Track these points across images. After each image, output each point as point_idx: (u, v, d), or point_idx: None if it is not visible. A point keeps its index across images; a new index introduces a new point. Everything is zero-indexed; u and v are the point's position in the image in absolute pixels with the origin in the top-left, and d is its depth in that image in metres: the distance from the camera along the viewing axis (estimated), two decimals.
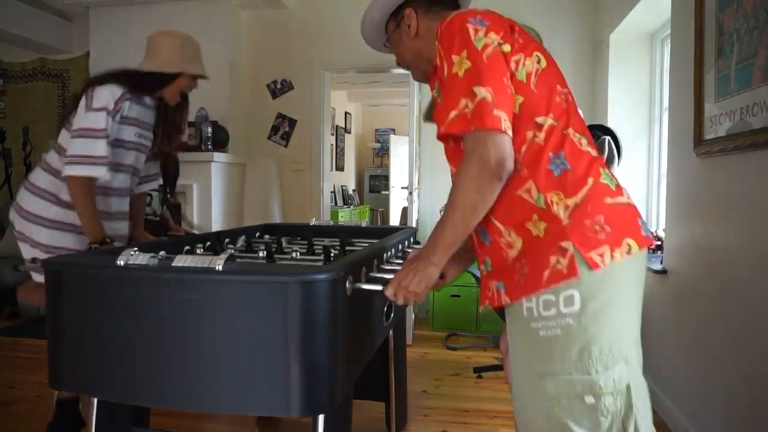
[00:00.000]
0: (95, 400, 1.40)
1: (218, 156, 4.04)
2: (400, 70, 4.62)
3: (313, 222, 2.63)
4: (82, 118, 1.86)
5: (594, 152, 1.17)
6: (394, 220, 8.32)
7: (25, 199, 1.97)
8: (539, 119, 1.13)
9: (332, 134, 7.56)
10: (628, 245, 1.10)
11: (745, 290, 1.83)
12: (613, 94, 3.68)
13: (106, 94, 1.88)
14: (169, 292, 1.25)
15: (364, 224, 2.57)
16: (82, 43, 4.79)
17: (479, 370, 3.20)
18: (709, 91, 2.09)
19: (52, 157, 2.00)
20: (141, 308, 1.27)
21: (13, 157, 5.14)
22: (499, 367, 3.25)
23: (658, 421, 2.51)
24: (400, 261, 1.86)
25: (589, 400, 1.07)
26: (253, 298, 1.21)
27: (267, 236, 2.40)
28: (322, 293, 1.20)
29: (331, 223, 2.76)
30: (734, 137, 1.88)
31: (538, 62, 1.17)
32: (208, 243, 2.02)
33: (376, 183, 9.27)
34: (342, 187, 8.27)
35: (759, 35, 1.73)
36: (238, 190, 4.47)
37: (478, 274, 3.27)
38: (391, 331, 2.13)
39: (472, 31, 1.13)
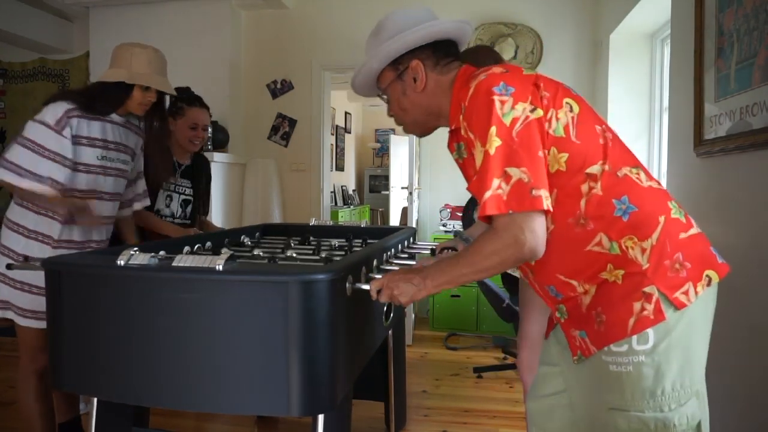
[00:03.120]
0: (95, 399, 1.41)
1: (218, 156, 4.04)
2: None
3: (312, 222, 2.63)
4: (26, 128, 1.85)
5: (657, 185, 1.14)
6: (394, 220, 8.31)
7: (3, 234, 1.93)
8: (590, 169, 1.09)
9: (332, 134, 7.55)
10: (708, 277, 1.09)
11: (744, 290, 1.83)
12: (613, 94, 3.68)
13: (50, 110, 1.84)
14: (169, 292, 1.25)
15: (363, 224, 2.57)
16: (82, 43, 4.79)
17: (479, 370, 3.20)
18: (709, 91, 2.09)
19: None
20: (141, 308, 1.27)
21: None
22: (499, 367, 3.25)
23: None
24: (400, 261, 1.86)
25: None
26: (254, 298, 1.21)
27: (280, 237, 2.39)
28: (323, 293, 1.20)
29: (331, 223, 2.75)
30: (734, 137, 1.88)
31: (571, 110, 1.12)
32: (208, 243, 2.02)
33: (376, 183, 9.27)
34: (342, 187, 8.27)
35: (759, 35, 1.73)
36: (238, 190, 4.47)
37: None
38: (390, 331, 2.13)
39: (498, 104, 1.07)
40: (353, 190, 9.05)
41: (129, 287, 1.28)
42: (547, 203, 1.05)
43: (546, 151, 1.09)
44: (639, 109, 3.63)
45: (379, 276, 1.51)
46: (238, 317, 1.21)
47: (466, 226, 3.26)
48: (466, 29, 1.32)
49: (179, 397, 1.27)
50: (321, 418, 1.27)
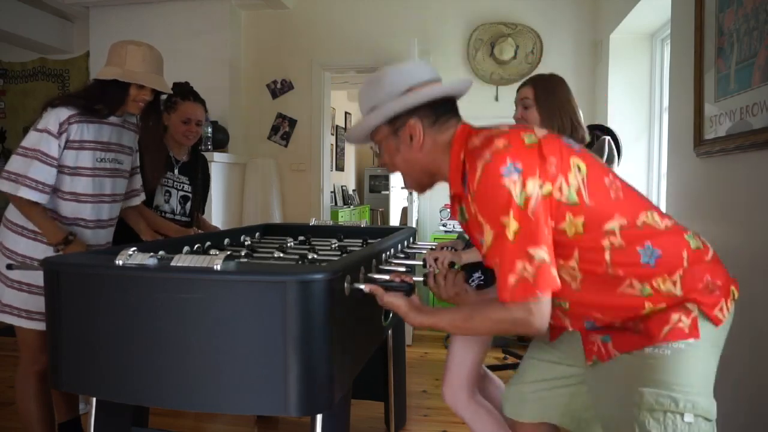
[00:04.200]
0: (94, 399, 1.41)
1: (218, 156, 4.04)
2: None
3: (312, 222, 2.63)
4: (26, 137, 1.84)
5: (669, 221, 1.17)
6: (394, 220, 8.32)
7: (3, 235, 1.92)
8: (607, 226, 1.11)
9: (332, 134, 7.55)
10: (733, 293, 1.16)
11: (744, 290, 1.82)
12: (613, 94, 3.68)
13: (52, 117, 1.83)
14: (167, 291, 1.25)
15: (363, 224, 2.57)
16: (82, 43, 4.79)
17: None
18: (709, 91, 2.09)
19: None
20: (140, 308, 1.27)
21: None
22: (499, 367, 3.24)
23: None
24: (399, 262, 1.86)
25: (689, 418, 1.08)
26: (252, 298, 1.21)
27: (295, 239, 2.36)
28: (321, 293, 1.20)
29: (331, 223, 2.75)
30: (734, 137, 1.87)
31: (579, 171, 1.12)
32: (208, 243, 2.02)
33: (376, 183, 9.27)
34: (342, 187, 8.26)
35: (759, 35, 1.73)
36: (238, 190, 4.47)
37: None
38: (390, 331, 2.13)
39: (510, 187, 1.06)
40: (353, 190, 9.05)
41: (128, 287, 1.28)
42: (558, 284, 1.10)
43: (552, 222, 1.10)
44: (639, 109, 3.63)
45: (378, 276, 1.51)
46: (236, 317, 1.21)
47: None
48: (467, 86, 1.31)
49: (178, 397, 1.27)
50: (319, 417, 1.27)
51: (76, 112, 1.87)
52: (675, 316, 1.09)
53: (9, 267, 1.68)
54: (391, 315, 1.76)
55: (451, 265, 1.62)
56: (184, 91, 2.46)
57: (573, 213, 1.10)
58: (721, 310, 1.11)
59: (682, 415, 1.08)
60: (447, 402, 1.85)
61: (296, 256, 1.82)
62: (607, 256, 1.11)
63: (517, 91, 2.15)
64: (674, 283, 1.10)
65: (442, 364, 3.34)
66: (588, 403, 1.34)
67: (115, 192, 2.05)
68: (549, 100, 1.84)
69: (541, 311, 1.08)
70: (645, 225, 1.13)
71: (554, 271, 1.09)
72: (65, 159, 1.88)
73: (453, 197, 1.25)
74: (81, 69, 4.89)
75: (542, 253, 1.06)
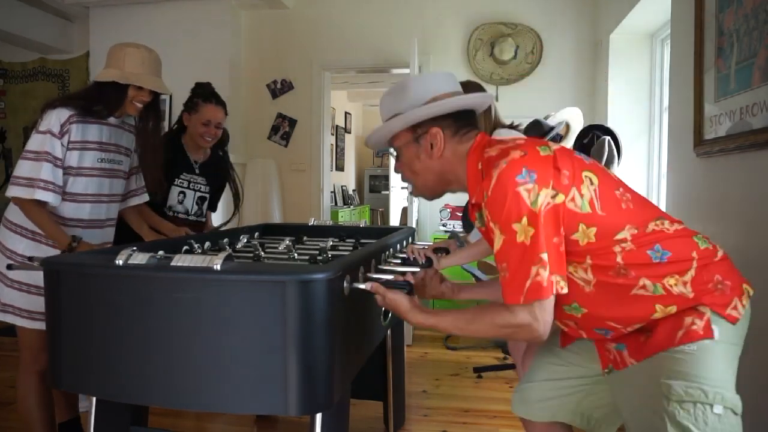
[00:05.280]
0: (94, 399, 1.41)
1: None
2: (400, 71, 4.64)
3: (311, 222, 2.63)
4: (29, 141, 1.84)
5: (678, 225, 1.19)
6: (394, 221, 8.32)
7: (4, 235, 1.93)
8: (618, 235, 1.13)
9: (332, 134, 7.55)
10: (747, 291, 1.17)
11: None
12: (613, 94, 3.68)
13: (53, 117, 1.84)
14: (167, 291, 1.25)
15: (362, 224, 2.57)
16: (82, 43, 4.79)
17: (479, 370, 3.20)
18: (709, 91, 2.09)
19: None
20: (139, 308, 1.27)
21: (14, 157, 5.14)
22: (499, 367, 3.24)
23: None
24: (399, 261, 1.86)
25: (718, 410, 1.09)
26: (251, 298, 1.21)
27: (309, 238, 2.38)
28: (320, 293, 1.20)
29: (331, 223, 2.75)
30: (734, 137, 1.87)
31: (591, 183, 1.15)
32: (207, 243, 2.02)
33: (376, 183, 9.27)
34: (342, 187, 8.26)
35: (759, 35, 1.73)
36: None
37: (477, 273, 3.26)
38: (389, 331, 2.13)
39: (525, 194, 1.09)
40: (353, 190, 9.05)
41: (127, 287, 1.28)
42: (564, 285, 1.11)
43: (564, 231, 1.12)
44: (639, 109, 3.63)
45: (377, 276, 1.51)
46: (236, 316, 1.21)
47: (465, 226, 3.26)
48: (488, 101, 1.37)
49: (178, 397, 1.27)
50: (318, 417, 1.27)
51: (75, 112, 1.89)
52: (688, 320, 1.11)
53: (9, 267, 1.68)
54: (390, 315, 1.76)
55: (428, 262, 1.65)
56: (206, 93, 2.46)
57: (586, 223, 1.12)
58: (735, 308, 1.12)
59: (711, 406, 1.09)
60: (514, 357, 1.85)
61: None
62: (619, 258, 1.13)
63: None
64: (685, 284, 1.11)
65: (442, 364, 3.37)
66: (599, 402, 1.35)
67: (113, 192, 2.05)
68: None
69: (545, 316, 1.10)
70: (654, 231, 1.15)
71: (556, 278, 1.10)
72: (68, 160, 1.89)
73: (474, 205, 1.27)
74: (81, 69, 4.89)
75: (547, 257, 1.09)
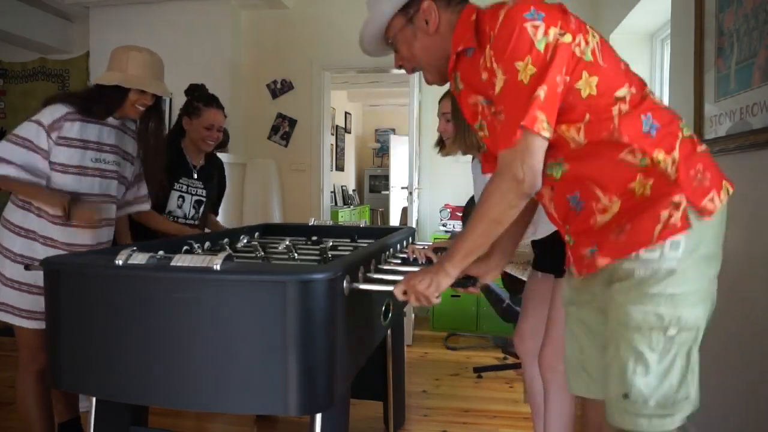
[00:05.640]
0: (94, 399, 1.41)
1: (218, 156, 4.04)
2: (401, 71, 4.62)
3: (312, 222, 2.63)
4: (19, 126, 1.85)
5: (667, 107, 1.18)
6: (394, 220, 8.32)
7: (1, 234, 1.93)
8: (618, 93, 1.12)
9: (332, 134, 7.55)
10: (727, 188, 1.13)
11: (745, 290, 1.83)
12: None
13: (47, 112, 1.85)
14: (167, 291, 1.25)
15: (362, 224, 2.57)
16: (82, 43, 4.78)
17: (479, 370, 3.20)
18: (709, 91, 2.09)
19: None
20: (139, 308, 1.27)
21: None
22: (499, 367, 3.24)
23: None
24: (398, 261, 1.86)
25: (672, 331, 1.09)
26: (251, 298, 1.21)
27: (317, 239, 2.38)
28: (320, 293, 1.20)
29: (331, 223, 2.75)
30: (734, 137, 1.87)
31: (593, 36, 1.14)
32: (207, 243, 2.02)
33: (376, 183, 9.27)
34: (342, 187, 8.26)
35: (759, 35, 1.73)
36: (238, 190, 4.47)
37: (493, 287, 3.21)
38: (389, 331, 2.13)
39: (531, 31, 1.07)
40: (353, 190, 9.05)
41: (127, 287, 1.28)
42: (546, 130, 1.07)
43: (567, 78, 1.09)
44: None
45: (378, 276, 1.51)
46: (236, 316, 1.21)
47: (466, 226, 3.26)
48: None
49: (178, 397, 1.27)
50: (318, 417, 1.27)
51: (72, 110, 1.89)
52: (664, 213, 1.08)
53: (27, 268, 1.68)
54: (390, 314, 1.76)
55: (429, 263, 1.64)
56: (207, 98, 2.48)
57: (588, 71, 1.10)
58: (711, 200, 1.09)
59: (666, 329, 1.09)
60: (543, 366, 1.81)
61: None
62: (615, 122, 1.11)
63: (439, 103, 2.18)
64: (673, 163, 1.09)
65: (442, 364, 3.37)
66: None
67: (106, 193, 2.03)
68: (461, 117, 1.85)
69: (521, 163, 1.08)
70: (648, 98, 1.14)
71: (540, 115, 1.07)
72: (56, 155, 1.87)
73: (457, 55, 1.23)
74: (81, 69, 4.89)
75: (541, 91, 1.06)
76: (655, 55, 3.55)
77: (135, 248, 1.33)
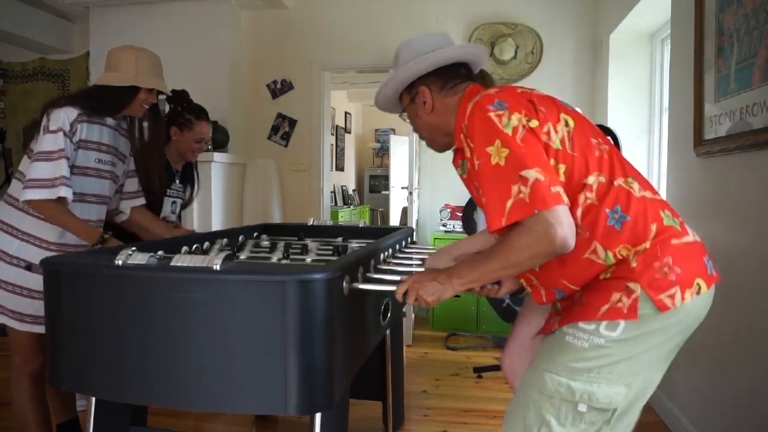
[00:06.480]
0: (93, 399, 1.41)
1: (218, 156, 4.04)
2: None
3: (311, 222, 2.63)
4: (40, 142, 1.84)
5: (650, 194, 1.17)
6: (394, 220, 8.32)
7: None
8: (587, 180, 1.14)
9: (332, 134, 7.55)
10: (698, 285, 1.11)
11: (746, 290, 1.83)
12: (613, 94, 3.68)
13: (62, 116, 1.85)
14: (167, 291, 1.25)
15: (361, 224, 2.57)
16: (82, 43, 4.79)
17: (479, 370, 3.20)
18: (709, 91, 2.09)
19: (14, 187, 1.93)
20: (139, 307, 1.27)
21: (14, 157, 5.14)
22: (499, 367, 3.24)
23: (659, 422, 2.51)
24: (398, 261, 1.86)
25: (582, 408, 1.11)
26: (251, 298, 1.21)
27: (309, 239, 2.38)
28: (320, 292, 1.20)
29: (330, 223, 2.75)
30: (734, 137, 1.87)
31: (566, 125, 1.17)
32: (206, 243, 2.02)
33: (376, 183, 9.26)
34: (342, 187, 8.26)
35: (759, 35, 1.73)
36: (238, 190, 4.47)
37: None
38: (387, 331, 2.13)
39: (495, 119, 1.13)
40: (353, 190, 9.05)
41: (127, 287, 1.28)
42: (565, 198, 1.08)
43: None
44: (639, 109, 3.63)
45: (377, 275, 1.51)
46: (235, 316, 1.21)
47: (465, 226, 3.26)
48: (473, 51, 1.38)
49: (177, 396, 1.27)
50: (318, 416, 1.27)
51: (81, 111, 1.90)
52: (615, 296, 1.09)
53: (28, 268, 1.68)
54: (389, 315, 1.76)
55: None
56: (197, 110, 2.51)
57: (557, 159, 1.13)
58: (671, 296, 1.07)
59: (576, 404, 1.11)
60: (505, 371, 1.82)
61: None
62: (579, 213, 1.12)
63: None
64: (636, 254, 1.09)
65: (442, 364, 3.37)
66: None
67: (104, 194, 2.05)
68: None
69: (551, 222, 1.06)
70: (621, 188, 1.14)
71: (557, 189, 1.07)
72: (74, 158, 1.90)
73: (455, 152, 1.34)
74: (81, 69, 4.89)
75: (534, 173, 1.07)
76: (655, 55, 3.55)
77: (135, 248, 1.33)
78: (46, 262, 1.38)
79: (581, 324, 1.12)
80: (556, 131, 1.15)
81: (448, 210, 4.31)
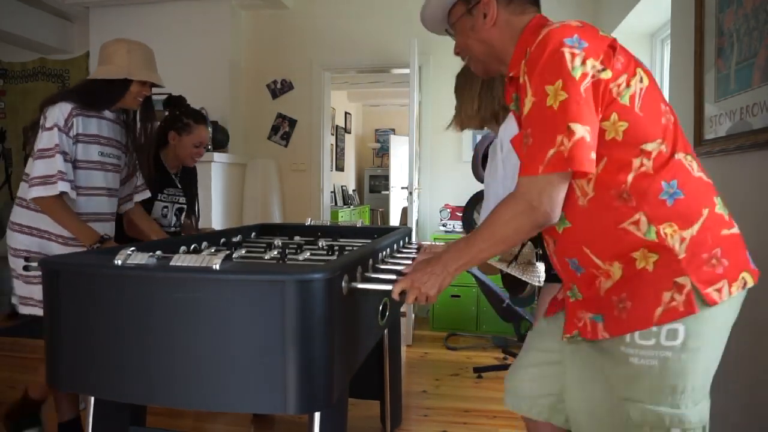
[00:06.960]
0: (92, 398, 1.40)
1: (218, 156, 4.04)
2: (401, 70, 4.63)
3: (309, 222, 2.63)
4: (38, 140, 1.86)
5: (706, 177, 1.09)
6: (394, 220, 8.32)
7: (11, 238, 1.94)
8: (646, 146, 1.03)
9: (332, 134, 7.56)
10: (744, 279, 1.05)
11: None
12: None
13: (56, 112, 1.87)
14: (166, 291, 1.24)
15: (359, 224, 2.57)
16: (82, 43, 4.79)
17: (479, 370, 3.20)
18: (709, 91, 2.09)
19: (22, 189, 1.95)
20: (138, 307, 1.27)
21: (14, 156, 5.14)
22: (499, 367, 3.24)
23: None
24: (396, 261, 1.86)
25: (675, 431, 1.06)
26: (250, 297, 1.21)
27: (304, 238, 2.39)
28: (319, 292, 1.20)
29: (330, 223, 2.75)
30: (735, 137, 1.87)
31: (641, 81, 1.06)
32: (205, 243, 2.02)
33: (376, 183, 9.27)
34: (342, 187, 8.27)
35: (759, 35, 1.73)
36: (238, 190, 4.47)
37: (476, 273, 3.25)
38: (386, 331, 2.13)
39: (568, 57, 1.01)
40: (353, 190, 9.05)
41: (126, 287, 1.28)
42: (594, 168, 1.02)
43: (603, 117, 1.04)
44: None
45: (375, 275, 1.51)
46: (235, 316, 1.21)
47: (465, 226, 3.26)
48: None
49: (177, 396, 1.27)
50: (317, 416, 1.27)
51: (76, 105, 1.92)
52: (666, 295, 1.01)
53: (26, 267, 1.69)
54: (387, 314, 1.76)
55: None
56: (196, 115, 2.52)
57: (619, 114, 1.03)
58: (719, 290, 1.01)
59: (668, 430, 1.06)
60: None
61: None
62: (630, 177, 1.04)
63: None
64: (682, 240, 1.01)
65: (442, 364, 3.37)
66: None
67: (112, 186, 2.08)
68: (470, 88, 1.77)
69: (540, 192, 1.02)
70: (680, 162, 1.05)
71: (593, 155, 1.00)
72: (74, 153, 1.92)
73: (510, 81, 1.20)
74: (81, 69, 4.89)
75: (583, 130, 0.99)
76: (655, 55, 3.55)
77: (134, 248, 1.33)
78: (45, 262, 1.38)
79: (639, 337, 1.04)
80: (628, 85, 1.03)
81: (448, 210, 4.31)
